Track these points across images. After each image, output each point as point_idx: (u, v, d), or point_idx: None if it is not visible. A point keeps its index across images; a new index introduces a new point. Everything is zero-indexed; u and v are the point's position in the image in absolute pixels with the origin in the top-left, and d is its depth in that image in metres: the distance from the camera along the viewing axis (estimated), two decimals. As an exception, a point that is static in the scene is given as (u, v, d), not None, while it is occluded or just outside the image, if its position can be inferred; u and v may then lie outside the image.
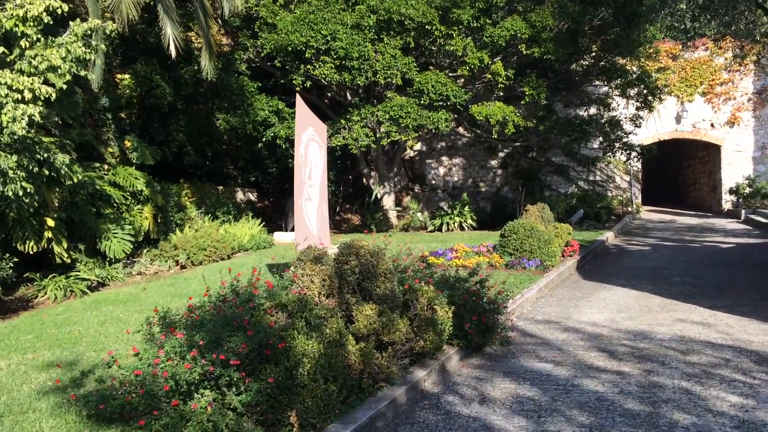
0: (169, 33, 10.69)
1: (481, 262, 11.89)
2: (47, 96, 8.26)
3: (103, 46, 9.17)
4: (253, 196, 21.80)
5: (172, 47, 10.82)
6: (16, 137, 7.98)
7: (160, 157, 15.33)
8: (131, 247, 12.69)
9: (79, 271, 10.96)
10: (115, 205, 13.17)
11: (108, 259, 12.48)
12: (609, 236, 17.34)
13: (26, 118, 8.04)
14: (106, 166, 13.50)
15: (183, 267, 14.21)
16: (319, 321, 5.01)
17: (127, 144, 14.95)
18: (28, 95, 8.14)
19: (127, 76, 16.37)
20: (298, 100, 9.04)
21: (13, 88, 8.12)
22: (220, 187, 20.25)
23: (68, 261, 10.75)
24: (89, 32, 8.62)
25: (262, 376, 4.50)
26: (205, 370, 4.41)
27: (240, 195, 21.26)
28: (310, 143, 9.38)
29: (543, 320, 8.43)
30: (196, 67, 15.95)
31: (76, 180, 10.21)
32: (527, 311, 8.98)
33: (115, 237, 12.54)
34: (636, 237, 17.93)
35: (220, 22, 17.55)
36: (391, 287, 5.84)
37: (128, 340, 6.72)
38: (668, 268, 12.48)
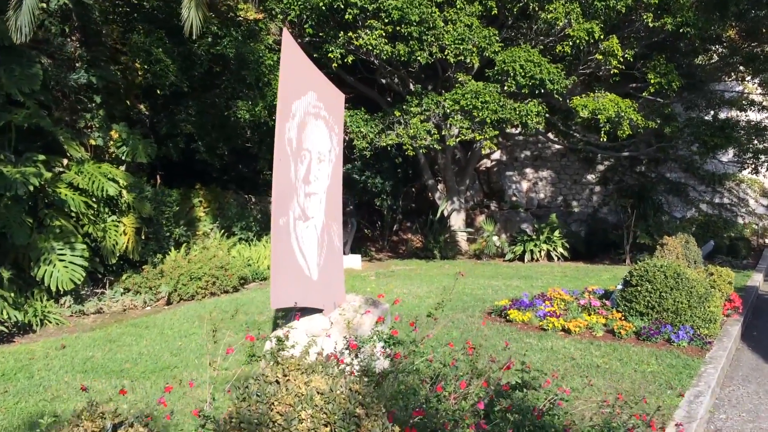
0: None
1: (595, 324, 7.51)
2: None
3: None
4: (293, 209, 17.94)
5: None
6: None
7: (155, 154, 11.67)
8: (82, 275, 8.96)
9: (-27, 314, 7.28)
10: (73, 215, 9.53)
11: (56, 290, 8.85)
12: (759, 279, 12.53)
13: None
14: (65, 161, 9.88)
15: (169, 302, 10.45)
16: None
17: (114, 135, 11.37)
18: None
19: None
20: (286, 35, 4.98)
21: None
22: (250, 196, 16.52)
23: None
24: None
25: None
26: None
27: (276, 206, 17.46)
28: (310, 120, 5.29)
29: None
30: (210, 39, 12.27)
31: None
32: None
33: (60, 261, 8.87)
34: (796, 282, 12.97)
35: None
36: None
37: None
38: None
